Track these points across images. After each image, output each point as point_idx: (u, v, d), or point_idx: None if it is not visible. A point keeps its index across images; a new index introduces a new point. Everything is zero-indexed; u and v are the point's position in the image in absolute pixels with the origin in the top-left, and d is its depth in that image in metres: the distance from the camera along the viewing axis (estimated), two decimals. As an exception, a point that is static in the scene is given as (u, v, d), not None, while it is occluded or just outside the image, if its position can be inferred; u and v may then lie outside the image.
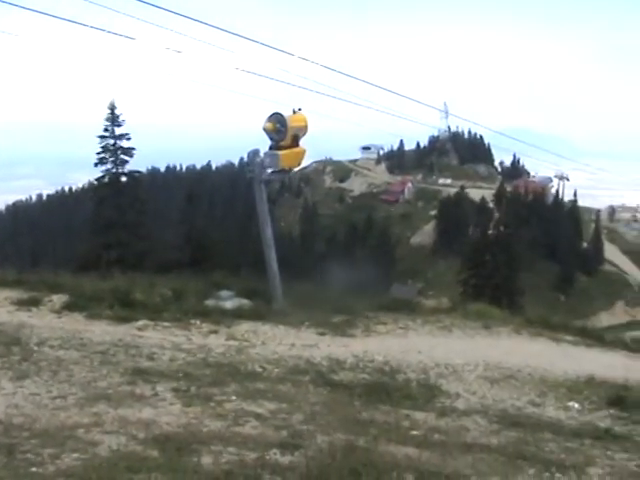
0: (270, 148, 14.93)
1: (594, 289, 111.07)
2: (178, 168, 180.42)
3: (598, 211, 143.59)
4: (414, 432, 7.03)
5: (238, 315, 13.69)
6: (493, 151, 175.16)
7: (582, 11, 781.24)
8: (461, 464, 5.74)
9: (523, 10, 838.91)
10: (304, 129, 15.10)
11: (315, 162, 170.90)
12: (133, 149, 46.35)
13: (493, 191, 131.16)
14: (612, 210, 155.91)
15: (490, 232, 61.92)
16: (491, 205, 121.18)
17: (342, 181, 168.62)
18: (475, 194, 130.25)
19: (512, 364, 11.60)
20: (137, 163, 49.72)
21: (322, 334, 13.10)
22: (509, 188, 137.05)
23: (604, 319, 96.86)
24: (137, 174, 49.52)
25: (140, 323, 12.33)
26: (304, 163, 17.14)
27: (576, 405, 9.59)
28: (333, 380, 9.64)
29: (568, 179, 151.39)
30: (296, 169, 17.35)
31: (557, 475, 5.74)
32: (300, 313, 14.29)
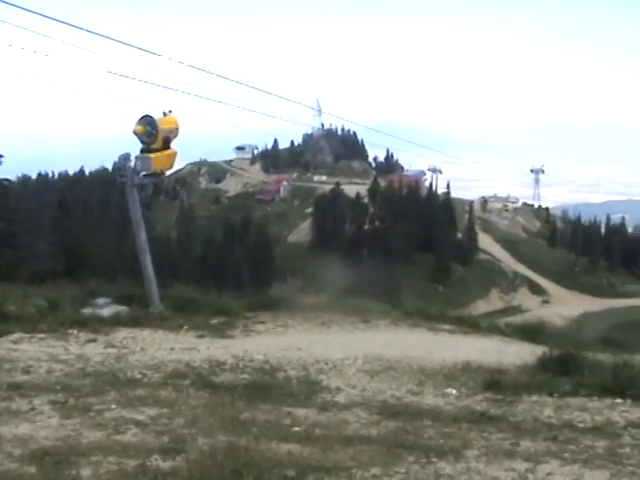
0: (141, 151, 14.85)
1: (470, 278, 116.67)
2: (50, 175, 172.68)
3: (471, 202, 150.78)
4: (295, 428, 7.11)
5: (116, 322, 13.54)
6: (367, 147, 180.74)
7: (450, 4, 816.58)
8: (342, 457, 5.86)
9: (392, 4, 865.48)
10: (175, 131, 15.08)
11: (190, 164, 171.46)
12: (1, 156, 45.49)
13: (368, 187, 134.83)
14: (484, 201, 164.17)
15: (366, 227, 63.55)
16: (366, 200, 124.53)
17: (218, 182, 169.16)
18: (350, 190, 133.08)
19: (391, 356, 11.95)
20: (6, 171, 48.84)
21: (201, 337, 13.15)
22: (383, 183, 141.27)
23: (481, 307, 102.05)
24: (6, 182, 48.48)
25: (15, 336, 11.92)
26: (178, 165, 17.15)
27: (453, 391, 10.00)
28: (214, 382, 9.62)
29: (441, 172, 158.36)
30: (169, 171, 17.26)
31: (434, 460, 5.97)
32: (178, 317, 14.31)
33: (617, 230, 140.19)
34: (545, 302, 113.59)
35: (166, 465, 5.32)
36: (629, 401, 9.82)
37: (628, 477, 6.29)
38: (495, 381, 10.31)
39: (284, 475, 5.14)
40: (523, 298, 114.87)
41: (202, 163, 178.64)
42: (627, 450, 7.26)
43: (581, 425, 8.53)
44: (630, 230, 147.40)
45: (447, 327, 16.02)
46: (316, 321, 15.06)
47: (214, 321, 14.36)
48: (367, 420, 7.86)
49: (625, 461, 6.81)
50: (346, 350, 12.21)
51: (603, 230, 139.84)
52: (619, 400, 9.88)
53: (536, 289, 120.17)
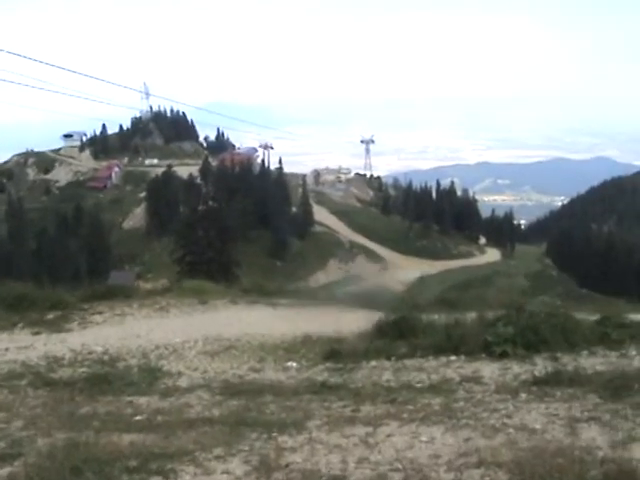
0: None
1: (308, 251, 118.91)
2: None
3: (304, 176, 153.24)
4: (137, 417, 7.06)
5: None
6: (198, 127, 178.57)
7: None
8: (185, 441, 5.87)
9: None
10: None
11: (16, 155, 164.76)
12: None
13: (199, 167, 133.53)
14: (317, 174, 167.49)
15: (200, 208, 62.77)
16: (199, 181, 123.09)
17: (47, 172, 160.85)
18: (183, 172, 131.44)
19: (231, 335, 12.04)
20: None
21: (37, 333, 12.79)
22: (215, 162, 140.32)
23: (321, 278, 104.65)
24: None
25: None
26: (2, 157, 16.08)
27: (294, 364, 10.27)
28: (52, 379, 9.39)
29: (272, 148, 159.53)
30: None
31: (276, 434, 6.12)
32: (12, 315, 13.87)
33: (447, 194, 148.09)
34: (383, 269, 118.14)
35: (3, 472, 5.10)
36: (463, 357, 10.60)
37: (462, 429, 6.82)
38: (334, 350, 10.69)
39: (126, 466, 5.09)
40: (361, 267, 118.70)
41: (29, 154, 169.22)
42: (461, 404, 7.85)
43: (419, 385, 9.08)
44: (459, 193, 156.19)
45: (285, 301, 16.34)
46: (154, 307, 14.91)
47: (50, 316, 14.00)
48: (209, 402, 7.90)
49: (460, 415, 7.37)
50: (186, 333, 12.19)
51: (434, 195, 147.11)
52: (453, 357, 10.64)
53: (374, 257, 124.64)
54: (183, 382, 9.39)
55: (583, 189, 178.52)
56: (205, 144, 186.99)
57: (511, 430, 6.72)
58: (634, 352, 10.48)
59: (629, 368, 9.35)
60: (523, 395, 8.17)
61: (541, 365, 9.72)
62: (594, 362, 9.98)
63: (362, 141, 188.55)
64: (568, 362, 9.91)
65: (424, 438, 6.49)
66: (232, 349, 11.19)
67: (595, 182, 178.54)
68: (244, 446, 5.79)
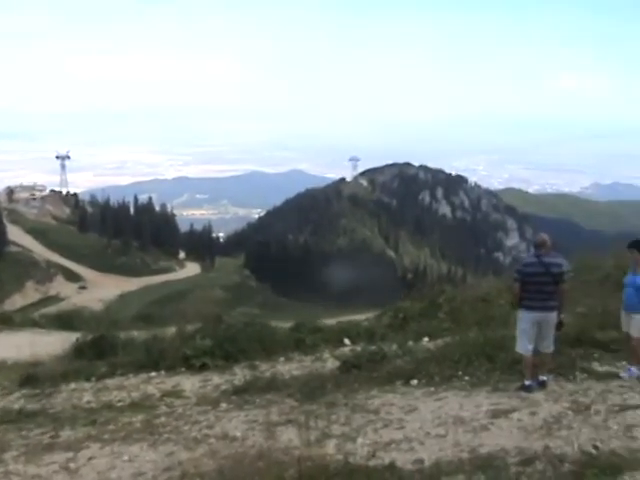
0: None
1: (3, 273, 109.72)
2: None
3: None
4: None
5: None
6: None
7: None
8: None
9: None
10: None
11: None
12: None
13: None
14: (10, 191, 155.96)
15: None
16: None
17: None
18: None
19: None
20: None
21: None
22: None
23: (17, 301, 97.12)
24: None
25: None
26: None
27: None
28: None
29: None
30: None
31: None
32: None
33: (145, 210, 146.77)
34: (82, 288, 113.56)
35: None
36: (163, 372, 10.70)
37: (164, 444, 6.91)
38: (31, 375, 10.23)
39: None
40: (60, 287, 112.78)
41: None
42: (163, 419, 7.96)
43: (120, 404, 9.01)
44: (158, 209, 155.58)
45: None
46: None
47: None
48: None
49: (161, 430, 7.49)
50: None
51: (132, 211, 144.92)
52: (154, 373, 10.70)
53: (72, 276, 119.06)
54: None
55: (279, 201, 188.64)
56: None
57: (212, 440, 6.98)
58: (327, 355, 11.41)
59: (323, 370, 10.20)
60: (224, 405, 8.51)
61: (240, 374, 10.19)
62: (290, 367, 10.70)
63: (57, 157, 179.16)
64: (266, 369, 10.50)
65: (126, 457, 6.49)
66: None
67: (290, 194, 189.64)
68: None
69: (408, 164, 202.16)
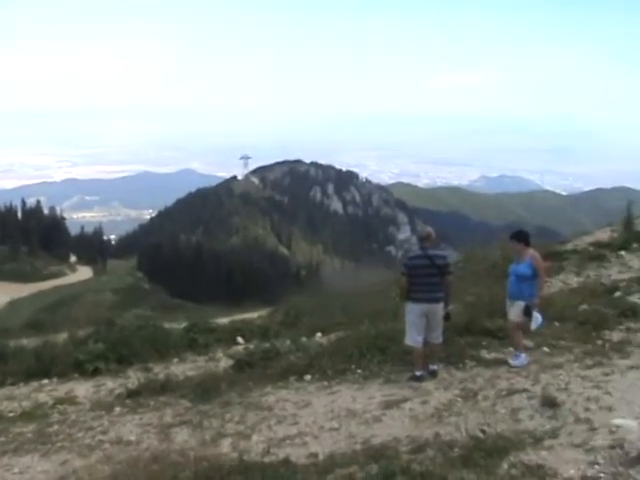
0: None
1: None
2: None
3: None
4: None
5: None
6: None
7: None
8: None
9: None
10: None
11: None
12: None
13: None
14: None
15: None
16: None
17: None
18: None
19: None
20: None
21: None
22: None
23: None
24: None
25: None
26: None
27: None
28: None
29: None
30: None
31: None
32: None
33: (34, 214, 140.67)
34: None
35: None
36: (55, 379, 10.36)
37: (57, 453, 6.69)
38: None
39: None
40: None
41: None
42: (56, 428, 7.71)
43: (11, 414, 8.66)
44: (46, 212, 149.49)
45: None
46: None
47: None
48: None
49: (54, 438, 7.26)
50: None
51: (20, 215, 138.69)
52: (45, 381, 10.34)
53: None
54: None
55: (170, 201, 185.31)
56: None
57: (107, 445, 6.83)
58: (221, 354, 11.36)
59: (217, 370, 10.15)
60: (118, 409, 8.33)
61: (134, 377, 9.99)
62: (184, 368, 10.59)
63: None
64: (160, 371, 10.36)
65: (17, 469, 6.28)
66: None
67: (181, 194, 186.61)
68: None
69: (299, 161, 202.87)
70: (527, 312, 8.13)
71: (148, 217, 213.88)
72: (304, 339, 11.26)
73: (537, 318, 8.13)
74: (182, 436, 6.90)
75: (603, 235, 20.48)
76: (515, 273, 8.40)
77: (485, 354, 8.90)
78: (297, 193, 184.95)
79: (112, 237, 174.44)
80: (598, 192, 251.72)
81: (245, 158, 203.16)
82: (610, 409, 5.89)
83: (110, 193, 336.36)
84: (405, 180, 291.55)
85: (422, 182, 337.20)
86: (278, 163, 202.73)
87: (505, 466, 4.72)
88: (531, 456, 4.88)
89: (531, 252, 8.38)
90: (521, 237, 8.46)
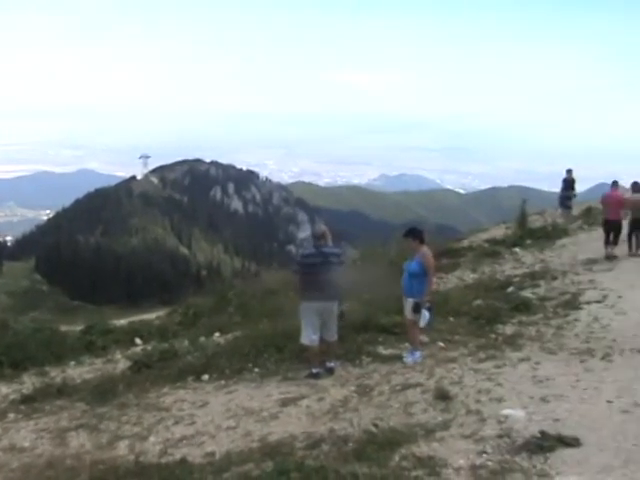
0: None
1: None
2: None
3: None
4: None
5: None
6: None
7: None
8: None
9: None
10: None
11: None
12: None
13: None
14: None
15: None
16: None
17: None
18: None
19: None
20: None
21: None
22: None
23: None
24: None
25: None
26: None
27: None
28: None
29: None
30: None
31: None
32: None
33: None
34: None
35: None
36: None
37: None
38: None
39: None
40: None
41: None
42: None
43: None
44: None
45: None
46: None
47: None
48: None
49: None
50: None
51: None
52: None
53: None
54: None
55: (68, 202, 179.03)
56: None
57: (0, 453, 6.57)
58: (119, 356, 11.12)
59: (114, 372, 9.92)
60: (11, 415, 8.03)
61: (29, 382, 9.66)
62: (82, 371, 10.31)
63: None
64: (56, 375, 10.02)
65: None
66: None
67: (80, 194, 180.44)
68: None
69: (199, 160, 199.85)
70: (416, 309, 8.28)
71: (45, 218, 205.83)
72: (202, 339, 11.18)
73: (425, 315, 8.24)
74: (78, 440, 6.73)
75: (498, 232, 21.32)
76: (408, 270, 8.44)
77: (382, 350, 9.02)
78: (197, 193, 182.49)
79: (8, 238, 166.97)
80: (495, 190, 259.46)
81: (144, 157, 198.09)
82: (500, 400, 6.10)
83: (5, 193, 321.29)
84: (306, 179, 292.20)
85: (323, 181, 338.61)
86: (178, 162, 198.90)
87: (397, 458, 4.83)
88: (422, 448, 5.01)
89: (423, 250, 8.42)
90: (414, 234, 8.51)
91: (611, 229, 15.48)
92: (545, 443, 4.75)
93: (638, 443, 4.73)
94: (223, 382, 8.35)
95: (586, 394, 6.13)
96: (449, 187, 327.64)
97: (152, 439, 6.47)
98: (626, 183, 17.11)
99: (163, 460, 5.78)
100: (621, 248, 15.39)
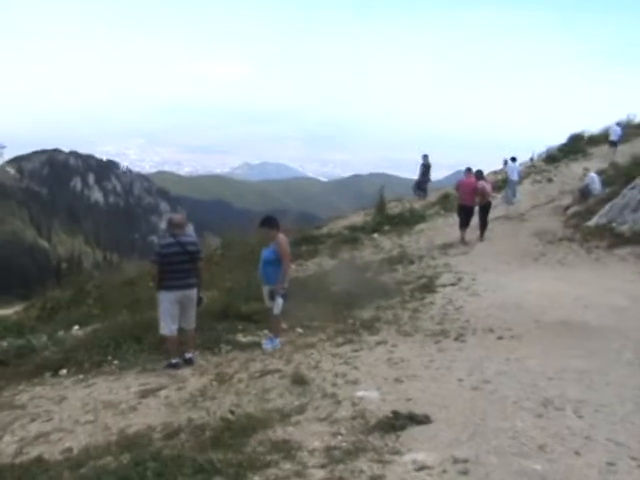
0: None
1: None
2: None
3: None
4: None
5: None
6: None
7: None
8: None
9: None
10: None
11: None
12: None
13: None
14: None
15: None
16: None
17: None
18: None
19: None
20: None
21: None
22: None
23: None
24: None
25: None
26: None
27: None
28: None
29: None
30: None
31: None
32: None
33: None
34: None
35: None
36: None
37: None
38: None
39: None
40: None
41: None
42: None
43: None
44: None
45: None
46: None
47: None
48: None
49: None
50: None
51: None
52: None
53: None
54: None
55: None
56: None
57: None
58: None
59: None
60: None
61: None
62: None
63: None
64: None
65: None
66: None
67: None
68: None
69: (57, 150, 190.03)
70: (271, 296, 8.33)
71: None
72: (61, 333, 10.69)
73: (279, 303, 8.29)
74: None
75: (357, 219, 21.62)
76: (263, 258, 8.48)
77: (241, 338, 9.00)
78: (57, 184, 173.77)
79: None
80: (357, 178, 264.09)
81: (0, 148, 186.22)
82: (355, 383, 6.22)
83: None
84: (167, 168, 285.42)
85: (184, 170, 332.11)
86: (35, 152, 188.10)
87: (253, 444, 4.81)
88: (278, 432, 5.02)
89: (279, 237, 8.44)
90: (270, 223, 8.52)
91: (465, 214, 16.09)
92: (397, 422, 4.87)
93: (485, 417, 4.94)
94: (82, 376, 8.04)
95: (438, 373, 6.36)
96: (311, 175, 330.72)
97: (7, 438, 6.12)
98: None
99: (17, 460, 5.47)
100: (475, 233, 16.06)
